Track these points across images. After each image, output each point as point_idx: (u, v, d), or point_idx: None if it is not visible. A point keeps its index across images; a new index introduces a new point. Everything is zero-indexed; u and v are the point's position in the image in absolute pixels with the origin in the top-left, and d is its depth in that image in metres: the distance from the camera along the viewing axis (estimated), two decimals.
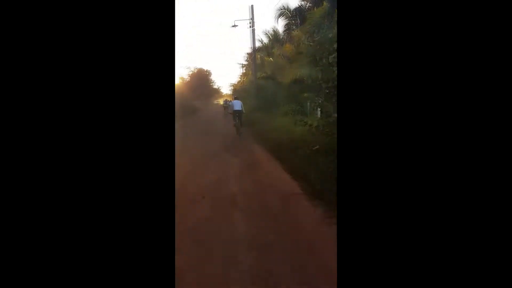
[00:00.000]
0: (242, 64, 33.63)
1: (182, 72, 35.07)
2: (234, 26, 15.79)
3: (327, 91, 4.42)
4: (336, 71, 3.55)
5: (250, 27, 15.46)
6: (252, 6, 15.28)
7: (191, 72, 32.02)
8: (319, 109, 7.24)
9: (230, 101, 12.44)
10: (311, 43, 12.60)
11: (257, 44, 17.74)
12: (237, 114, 8.63)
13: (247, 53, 31.02)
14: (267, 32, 22.72)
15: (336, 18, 6.20)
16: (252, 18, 15.11)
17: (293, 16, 19.40)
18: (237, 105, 8.78)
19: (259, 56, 23.23)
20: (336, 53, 3.65)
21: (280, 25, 23.62)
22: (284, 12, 19.27)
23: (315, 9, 13.91)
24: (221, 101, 27.72)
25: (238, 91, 30.02)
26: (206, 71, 34.03)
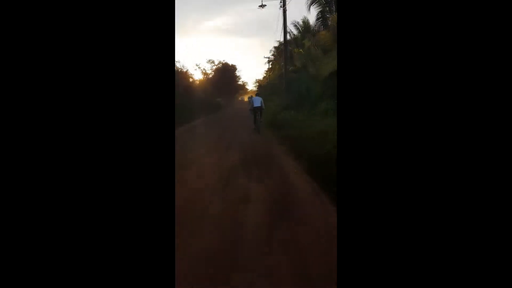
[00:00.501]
0: (268, 58, 31.97)
1: (205, 66, 33.35)
2: (262, 6, 13.90)
3: None
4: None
5: (281, 7, 13.43)
6: None
7: (214, 67, 30.36)
8: None
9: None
10: None
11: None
12: (258, 111, 8.49)
13: (274, 47, 29.25)
14: (296, 24, 20.76)
15: None
16: None
17: (327, 3, 17.33)
18: (257, 101, 8.57)
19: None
20: None
21: (312, 16, 21.65)
22: None
23: None
24: (246, 98, 25.96)
25: (264, 87, 28.50)
26: (232, 65, 32.24)
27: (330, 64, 10.69)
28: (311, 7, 17.75)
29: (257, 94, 9.77)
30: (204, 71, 28.76)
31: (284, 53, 14.97)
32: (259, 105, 8.50)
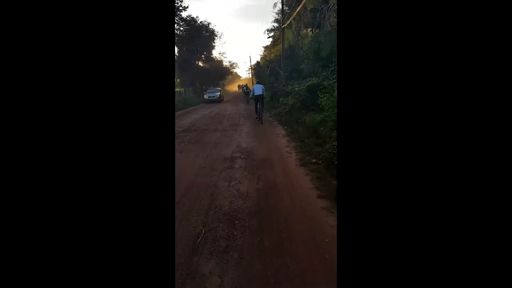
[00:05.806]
0: (269, 29, 21.14)
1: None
2: None
3: None
4: None
5: None
6: None
7: (181, 27, 17.57)
8: None
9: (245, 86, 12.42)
10: None
11: None
12: (259, 99, 8.23)
13: (276, 11, 18.32)
14: None
15: None
16: None
17: None
18: (258, 89, 8.24)
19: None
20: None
21: None
22: None
23: None
24: (234, 87, 14.89)
25: (261, 70, 17.95)
26: (211, 31, 20.41)
27: None
28: None
29: (257, 82, 9.48)
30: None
31: None
32: (261, 93, 8.17)
